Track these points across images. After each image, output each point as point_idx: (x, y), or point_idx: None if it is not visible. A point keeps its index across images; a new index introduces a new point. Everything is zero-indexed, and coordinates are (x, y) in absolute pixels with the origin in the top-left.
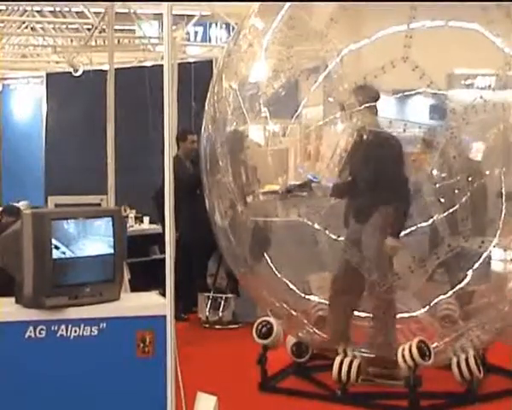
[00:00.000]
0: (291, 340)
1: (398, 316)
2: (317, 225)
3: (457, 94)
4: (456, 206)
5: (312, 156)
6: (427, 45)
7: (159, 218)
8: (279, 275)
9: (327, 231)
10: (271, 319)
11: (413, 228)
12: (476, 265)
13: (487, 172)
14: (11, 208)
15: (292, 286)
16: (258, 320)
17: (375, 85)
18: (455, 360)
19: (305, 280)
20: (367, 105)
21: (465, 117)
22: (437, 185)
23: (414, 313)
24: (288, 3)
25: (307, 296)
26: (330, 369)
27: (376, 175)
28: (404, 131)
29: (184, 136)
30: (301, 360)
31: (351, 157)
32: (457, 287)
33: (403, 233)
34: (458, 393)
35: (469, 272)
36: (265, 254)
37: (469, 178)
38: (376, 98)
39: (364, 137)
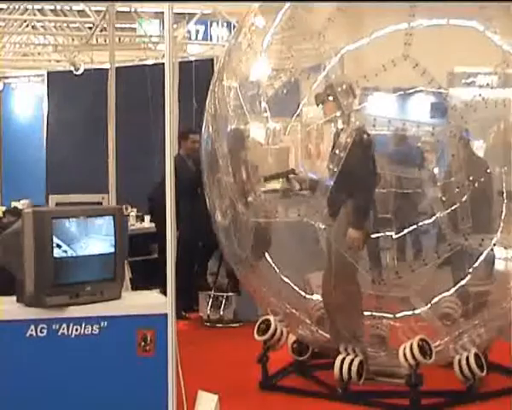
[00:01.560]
0: (291, 338)
1: (401, 314)
2: (317, 225)
3: (458, 92)
4: (457, 204)
5: (312, 155)
6: (428, 44)
7: (151, 217)
8: (278, 273)
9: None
10: (271, 317)
11: (414, 226)
12: (477, 263)
13: (488, 171)
14: (15, 210)
15: (293, 285)
16: (260, 320)
17: (373, 84)
18: (457, 358)
19: (305, 279)
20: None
21: (466, 115)
22: (438, 184)
23: (416, 311)
24: (289, 3)
25: (308, 296)
26: (331, 367)
27: (343, 169)
28: (403, 130)
29: (186, 135)
30: (302, 358)
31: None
32: (459, 285)
33: (405, 231)
34: (459, 391)
35: (470, 271)
36: (266, 253)
37: (471, 177)
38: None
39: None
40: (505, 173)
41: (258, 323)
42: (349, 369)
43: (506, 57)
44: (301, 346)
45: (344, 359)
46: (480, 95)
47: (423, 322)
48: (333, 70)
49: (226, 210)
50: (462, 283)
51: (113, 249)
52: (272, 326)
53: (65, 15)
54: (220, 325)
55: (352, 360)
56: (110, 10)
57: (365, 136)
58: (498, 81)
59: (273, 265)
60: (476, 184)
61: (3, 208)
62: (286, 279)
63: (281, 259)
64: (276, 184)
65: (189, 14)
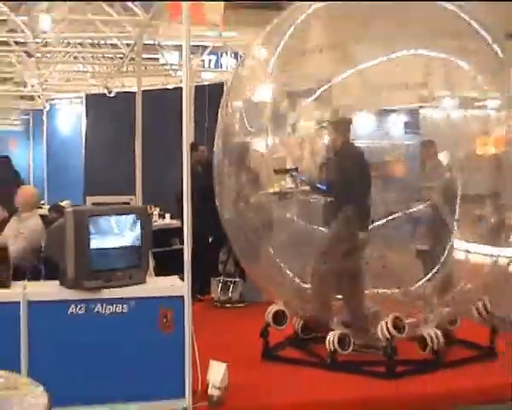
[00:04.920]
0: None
1: (381, 291)
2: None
3: (428, 112)
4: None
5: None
6: (404, 71)
7: (178, 216)
8: (280, 263)
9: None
10: (281, 306)
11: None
12: (444, 255)
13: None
14: (57, 207)
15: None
16: (274, 309)
17: (359, 104)
18: (426, 332)
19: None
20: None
21: (434, 130)
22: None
23: (393, 293)
24: (286, 36)
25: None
26: (321, 341)
27: (345, 180)
28: (383, 143)
29: (196, 146)
30: (307, 336)
31: (327, 165)
32: (429, 275)
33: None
34: (428, 360)
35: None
36: (267, 246)
37: (436, 181)
38: (348, 120)
39: (335, 148)
40: (465, 179)
41: (273, 311)
42: (339, 342)
43: (470, 83)
44: (307, 327)
45: (333, 334)
46: (447, 114)
47: (400, 302)
48: (323, 94)
49: (233, 209)
50: (431, 273)
51: (139, 242)
52: (288, 317)
53: (100, 47)
54: (228, 305)
55: (339, 334)
56: (138, 43)
57: (356, 148)
58: (462, 103)
59: (272, 255)
60: (442, 187)
61: (48, 207)
62: (288, 271)
63: (278, 250)
64: (275, 188)
65: (203, 46)
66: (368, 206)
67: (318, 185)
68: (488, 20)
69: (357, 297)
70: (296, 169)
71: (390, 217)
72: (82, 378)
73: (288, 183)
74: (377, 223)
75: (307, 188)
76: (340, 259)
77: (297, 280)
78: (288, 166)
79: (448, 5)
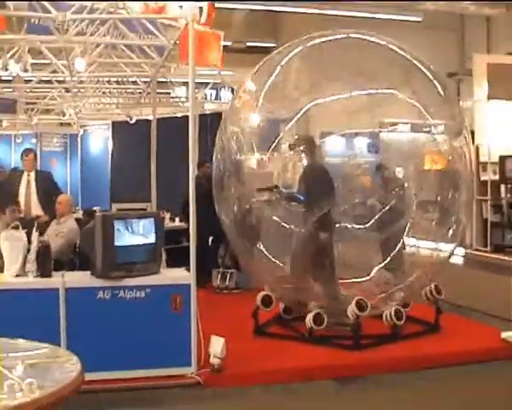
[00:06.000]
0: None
1: (351, 281)
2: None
3: (386, 135)
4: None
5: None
6: (366, 103)
7: (184, 219)
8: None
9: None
10: (269, 291)
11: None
12: (394, 251)
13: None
14: (89, 212)
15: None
16: (262, 294)
17: (329, 130)
18: (385, 312)
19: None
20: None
21: (391, 150)
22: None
23: (358, 281)
24: (272, 77)
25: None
26: (301, 320)
27: (310, 191)
28: (350, 160)
29: (203, 163)
30: (289, 316)
31: (300, 179)
32: (383, 263)
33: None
34: (386, 334)
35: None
36: (256, 243)
37: (393, 190)
38: (311, 143)
39: (304, 165)
40: (417, 189)
41: (261, 296)
42: (314, 321)
43: (418, 113)
44: (288, 309)
45: (311, 314)
46: (400, 137)
47: (364, 287)
48: (300, 120)
49: (229, 213)
50: (385, 262)
51: (154, 240)
52: (274, 301)
53: (123, 84)
54: (226, 292)
55: (316, 314)
56: (153, 80)
57: (319, 165)
58: (413, 128)
59: (262, 249)
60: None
61: (82, 212)
62: (275, 261)
63: (266, 245)
64: (263, 196)
65: (205, 83)
66: (330, 212)
67: (294, 196)
68: (433, 62)
69: (332, 284)
70: (275, 187)
71: (357, 226)
72: (108, 350)
73: (270, 196)
74: (347, 226)
75: (287, 198)
76: (310, 255)
77: (281, 265)
78: (269, 185)
79: (402, 52)
